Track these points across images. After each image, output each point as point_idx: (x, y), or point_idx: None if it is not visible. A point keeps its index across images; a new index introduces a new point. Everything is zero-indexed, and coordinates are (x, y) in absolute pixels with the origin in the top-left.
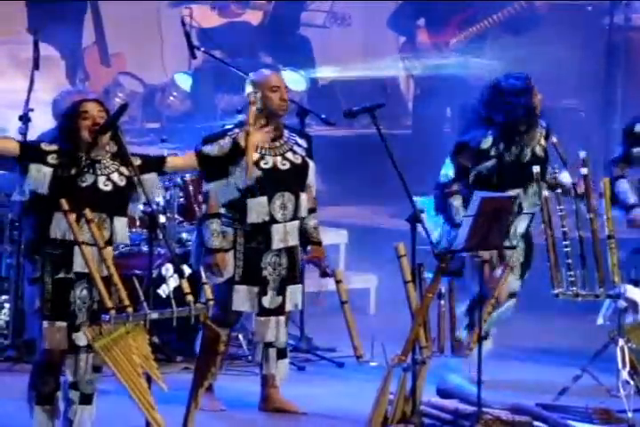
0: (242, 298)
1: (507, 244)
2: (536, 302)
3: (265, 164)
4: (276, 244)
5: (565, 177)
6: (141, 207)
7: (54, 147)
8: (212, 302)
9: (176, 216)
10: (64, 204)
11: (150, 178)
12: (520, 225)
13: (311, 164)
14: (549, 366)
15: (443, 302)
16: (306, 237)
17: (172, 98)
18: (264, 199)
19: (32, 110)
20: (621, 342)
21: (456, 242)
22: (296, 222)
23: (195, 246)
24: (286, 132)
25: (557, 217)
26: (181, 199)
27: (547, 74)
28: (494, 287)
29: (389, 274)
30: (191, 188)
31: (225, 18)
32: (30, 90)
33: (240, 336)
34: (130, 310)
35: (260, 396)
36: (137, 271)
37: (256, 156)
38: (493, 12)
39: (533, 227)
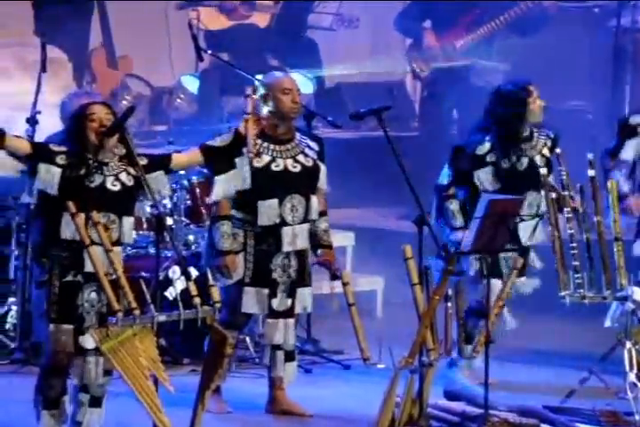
0: (251, 300)
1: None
2: (543, 305)
3: (276, 166)
4: (286, 246)
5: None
6: (149, 209)
7: (63, 148)
8: (218, 305)
9: (183, 218)
10: (71, 206)
11: (157, 176)
12: (520, 234)
13: (322, 167)
14: (557, 368)
15: (450, 304)
16: (316, 239)
17: (179, 100)
18: (275, 202)
19: (39, 113)
20: (629, 344)
21: (463, 244)
22: (305, 225)
23: (205, 248)
24: (298, 135)
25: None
26: (188, 202)
27: (554, 75)
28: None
29: (396, 276)
30: (198, 190)
31: (232, 20)
32: (38, 92)
33: (247, 339)
34: (137, 312)
35: (267, 398)
36: (144, 274)
37: (267, 158)
38: (500, 13)
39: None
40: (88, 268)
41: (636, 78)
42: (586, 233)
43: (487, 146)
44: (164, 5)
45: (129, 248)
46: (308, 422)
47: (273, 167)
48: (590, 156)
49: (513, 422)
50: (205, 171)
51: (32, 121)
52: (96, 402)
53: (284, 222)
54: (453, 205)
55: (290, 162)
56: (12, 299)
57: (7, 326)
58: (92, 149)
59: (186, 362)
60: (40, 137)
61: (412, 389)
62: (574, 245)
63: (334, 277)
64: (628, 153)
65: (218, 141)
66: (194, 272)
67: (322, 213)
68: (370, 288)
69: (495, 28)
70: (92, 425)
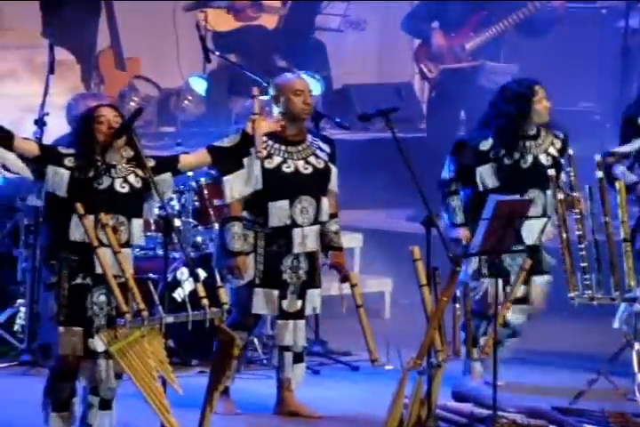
0: (261, 301)
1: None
2: (552, 306)
3: (287, 167)
4: (296, 248)
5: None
6: (157, 211)
7: (71, 151)
8: (226, 306)
9: (191, 220)
10: (80, 208)
11: (165, 178)
12: (524, 234)
13: (334, 169)
14: (565, 369)
15: (458, 305)
16: (327, 241)
17: (186, 102)
18: (286, 203)
19: (47, 114)
20: (637, 345)
21: (471, 245)
22: (315, 227)
23: (215, 249)
24: (309, 137)
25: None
26: (196, 203)
27: (562, 76)
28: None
29: (404, 278)
30: (206, 192)
31: (240, 21)
32: (45, 94)
33: (255, 340)
34: (145, 313)
35: (275, 399)
36: (152, 275)
37: (278, 159)
38: (508, 14)
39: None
40: (97, 270)
41: None
42: (594, 234)
43: (490, 141)
44: (171, 7)
45: (137, 250)
46: (317, 423)
47: (284, 168)
48: (598, 157)
49: (521, 423)
50: (213, 172)
51: (40, 123)
52: (106, 405)
53: (294, 224)
54: (455, 202)
55: (301, 163)
56: (20, 300)
57: (16, 327)
58: (100, 151)
59: (194, 363)
60: (48, 139)
61: (420, 390)
62: (583, 246)
63: (344, 279)
64: (630, 146)
65: (225, 142)
66: (202, 274)
67: (332, 215)
68: (378, 290)
69: (503, 29)
70: None
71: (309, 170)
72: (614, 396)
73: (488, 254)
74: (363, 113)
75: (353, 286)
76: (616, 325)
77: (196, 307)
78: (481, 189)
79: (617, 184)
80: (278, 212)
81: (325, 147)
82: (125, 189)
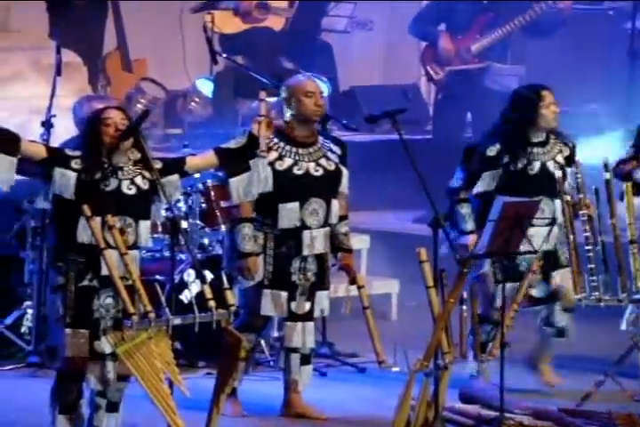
0: (270, 303)
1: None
2: None
3: (298, 169)
4: (306, 250)
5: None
6: (164, 213)
7: (77, 153)
8: (233, 308)
9: (198, 222)
10: (87, 210)
11: (172, 180)
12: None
13: (345, 171)
14: (572, 371)
15: (465, 307)
16: (336, 243)
17: (193, 104)
18: (296, 205)
19: (54, 116)
20: None
21: (478, 247)
22: (324, 229)
23: (226, 250)
24: (320, 139)
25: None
26: (203, 205)
27: (569, 78)
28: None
29: (411, 279)
30: (213, 193)
31: (247, 23)
32: (52, 96)
33: (262, 342)
34: (152, 315)
35: (282, 401)
36: (159, 277)
37: (289, 161)
38: (515, 16)
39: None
40: (104, 272)
41: None
42: (601, 236)
43: (497, 147)
44: (178, 8)
45: (144, 251)
46: (323, 425)
47: (295, 170)
48: (605, 159)
49: (528, 424)
50: (220, 174)
51: (47, 125)
52: (113, 407)
53: (304, 226)
54: (465, 209)
55: (312, 165)
56: (27, 302)
57: (23, 329)
58: (107, 154)
59: (201, 365)
60: (55, 141)
61: (427, 392)
62: (590, 248)
63: (353, 281)
64: None
65: (232, 144)
66: (209, 275)
67: (342, 217)
68: (385, 291)
69: (510, 31)
70: None
71: (320, 172)
72: (622, 398)
73: (494, 256)
74: (369, 114)
75: (360, 287)
76: (623, 326)
77: (202, 309)
78: (480, 190)
79: (624, 186)
80: (288, 214)
81: (336, 149)
82: (132, 191)
